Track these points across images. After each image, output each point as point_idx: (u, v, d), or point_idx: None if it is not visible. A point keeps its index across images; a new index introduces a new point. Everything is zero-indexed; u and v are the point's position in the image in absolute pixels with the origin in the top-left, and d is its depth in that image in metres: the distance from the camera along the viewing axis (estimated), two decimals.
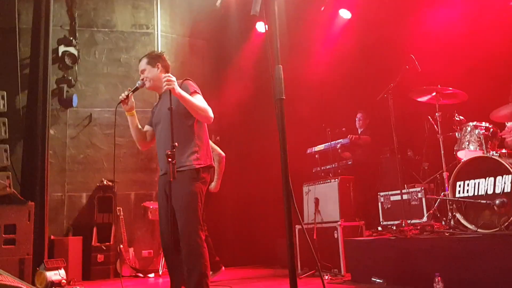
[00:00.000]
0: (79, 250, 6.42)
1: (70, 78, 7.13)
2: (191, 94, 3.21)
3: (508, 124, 4.56)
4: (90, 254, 6.40)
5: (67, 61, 7.08)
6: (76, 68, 7.23)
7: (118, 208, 6.46)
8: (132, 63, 7.43)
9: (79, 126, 7.16)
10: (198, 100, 3.21)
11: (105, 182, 6.87)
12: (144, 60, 3.44)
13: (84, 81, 7.29)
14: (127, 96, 3.30)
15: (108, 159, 7.14)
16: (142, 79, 3.38)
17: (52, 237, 6.37)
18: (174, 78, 3.15)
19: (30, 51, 6.19)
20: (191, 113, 3.19)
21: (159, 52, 3.59)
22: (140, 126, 3.45)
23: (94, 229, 6.62)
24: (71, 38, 7.18)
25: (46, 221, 5.69)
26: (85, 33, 7.38)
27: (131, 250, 6.48)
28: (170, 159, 3.05)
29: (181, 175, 3.12)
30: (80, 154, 7.11)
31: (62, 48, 7.08)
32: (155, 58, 3.45)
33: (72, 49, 7.12)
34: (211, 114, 3.22)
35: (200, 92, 3.30)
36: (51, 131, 6.71)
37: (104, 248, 6.44)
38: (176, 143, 3.11)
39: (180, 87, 3.18)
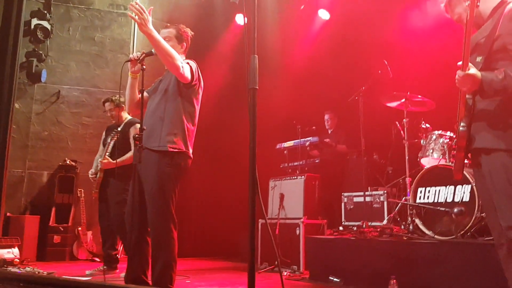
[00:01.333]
0: (35, 229, 6.26)
1: (40, 52, 6.89)
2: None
3: None
4: (46, 235, 6.24)
5: (39, 34, 6.84)
6: (48, 43, 7.00)
7: (79, 189, 6.32)
8: (106, 43, 7.27)
9: (46, 102, 6.96)
10: (170, 47, 3.05)
11: (68, 162, 6.71)
12: (171, 30, 3.29)
13: (55, 56, 7.08)
14: (139, 57, 3.18)
15: (73, 139, 6.98)
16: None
17: (8, 214, 6.18)
18: (148, 17, 2.91)
19: (0, 21, 5.97)
20: (158, 55, 3.04)
21: (188, 29, 3.38)
22: (137, 92, 3.29)
23: (53, 209, 6.46)
24: (45, 12, 6.94)
25: (3, 197, 5.49)
26: (60, 8, 7.16)
27: (89, 233, 6.36)
28: (137, 142, 3.02)
29: (153, 155, 3.07)
30: (45, 131, 6.91)
31: (35, 21, 6.83)
32: (183, 35, 3.30)
33: (45, 23, 6.88)
34: (179, 64, 3.03)
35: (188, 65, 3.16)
36: (16, 105, 6.50)
37: (62, 229, 6.30)
38: (145, 127, 3.09)
39: None
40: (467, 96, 2.32)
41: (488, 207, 2.39)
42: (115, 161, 4.68)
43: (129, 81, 3.31)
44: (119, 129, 4.88)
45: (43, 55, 6.91)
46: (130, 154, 4.71)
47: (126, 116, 5.02)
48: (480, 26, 2.44)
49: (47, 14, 6.94)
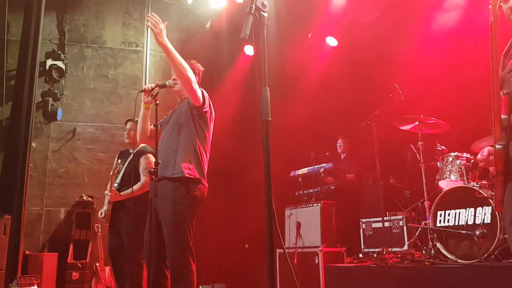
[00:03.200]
0: (54, 266, 6.26)
1: (56, 91, 7.08)
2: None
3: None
4: (65, 271, 6.22)
5: (54, 74, 7.04)
6: (63, 82, 7.19)
7: (96, 224, 6.33)
8: (119, 80, 7.43)
9: (62, 140, 7.08)
10: (183, 60, 3.13)
11: (84, 198, 6.76)
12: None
13: (70, 95, 7.24)
14: (153, 88, 3.25)
15: (89, 174, 7.05)
16: (174, 80, 3.31)
17: (27, 252, 6.21)
18: (164, 29, 3.05)
19: (17, 63, 6.15)
20: (172, 67, 3.13)
21: (198, 64, 3.47)
22: (148, 123, 3.38)
23: (71, 246, 6.47)
24: (60, 52, 7.16)
25: (21, 235, 5.57)
26: (74, 48, 7.38)
27: (107, 268, 6.33)
28: (153, 176, 3.05)
29: (169, 185, 3.08)
30: (61, 168, 7.00)
31: (49, 62, 7.05)
32: (194, 72, 3.31)
33: (60, 63, 7.10)
34: (192, 77, 3.09)
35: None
36: (33, 144, 6.62)
37: (80, 265, 6.28)
38: (160, 161, 3.12)
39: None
40: (502, 116, 2.21)
41: None
42: (124, 193, 4.59)
43: (141, 112, 3.38)
44: (129, 158, 4.80)
45: (58, 94, 7.09)
46: (138, 185, 4.63)
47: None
48: None
49: (61, 55, 7.16)
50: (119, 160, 4.76)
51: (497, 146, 2.21)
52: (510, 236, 2.28)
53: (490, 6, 2.18)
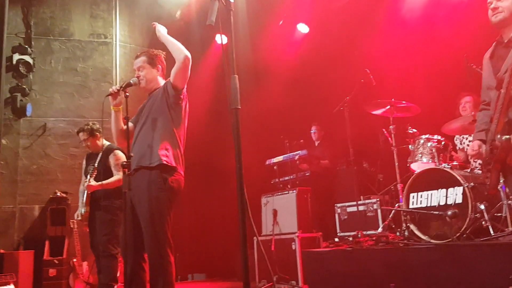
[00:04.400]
0: (30, 264, 6.16)
1: (24, 87, 6.89)
2: None
3: (466, 141, 4.77)
4: (41, 269, 6.14)
5: (22, 69, 6.85)
6: (31, 76, 7.01)
7: (72, 220, 6.25)
8: (89, 73, 7.29)
9: (32, 136, 6.93)
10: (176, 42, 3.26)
11: (58, 194, 6.65)
12: (143, 58, 3.36)
13: (39, 90, 7.07)
14: (118, 90, 3.20)
15: (62, 170, 6.93)
16: (138, 77, 3.30)
17: (1, 251, 6.09)
18: (162, 28, 3.37)
19: None
20: (170, 47, 3.24)
21: (158, 51, 3.47)
22: (122, 123, 3.31)
23: (47, 243, 6.37)
24: (26, 46, 6.97)
25: None
26: (41, 41, 7.19)
27: (84, 264, 6.26)
28: (125, 170, 3.01)
29: (145, 176, 3.07)
30: (33, 165, 6.86)
31: (16, 56, 6.85)
32: (155, 58, 3.37)
33: (27, 58, 6.90)
34: (187, 54, 3.17)
35: None
36: (3, 141, 6.47)
37: (57, 262, 6.20)
38: (132, 154, 3.08)
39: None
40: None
41: None
42: (100, 183, 4.63)
43: (112, 115, 3.33)
44: (98, 158, 4.82)
45: (26, 89, 6.91)
46: (114, 178, 4.67)
47: (103, 143, 4.94)
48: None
49: (28, 49, 6.96)
50: (92, 166, 4.74)
51: (505, 137, 2.38)
52: None
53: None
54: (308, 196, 5.43)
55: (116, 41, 7.51)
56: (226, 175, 5.59)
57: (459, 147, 4.95)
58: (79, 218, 4.75)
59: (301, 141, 6.00)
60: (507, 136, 2.39)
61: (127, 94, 3.18)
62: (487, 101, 2.81)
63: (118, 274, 4.85)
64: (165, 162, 3.08)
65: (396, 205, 4.70)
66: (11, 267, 5.87)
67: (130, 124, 3.30)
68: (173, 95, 3.20)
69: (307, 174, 5.93)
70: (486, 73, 2.75)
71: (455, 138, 4.98)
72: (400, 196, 4.59)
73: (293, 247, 5.04)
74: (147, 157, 3.11)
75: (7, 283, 5.06)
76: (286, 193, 5.46)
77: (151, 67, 3.35)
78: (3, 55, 6.00)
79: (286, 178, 5.98)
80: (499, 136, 2.42)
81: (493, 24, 2.69)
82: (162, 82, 3.40)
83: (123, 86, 3.20)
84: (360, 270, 4.08)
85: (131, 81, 3.25)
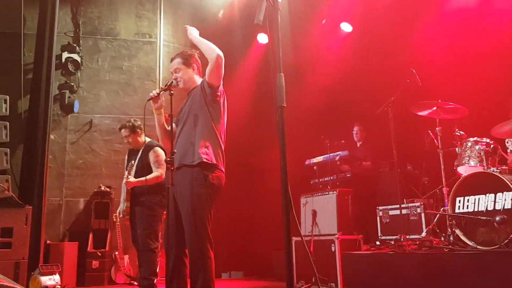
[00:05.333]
0: (74, 255, 6.38)
1: (72, 84, 7.17)
2: None
3: None
4: (85, 260, 6.36)
5: (70, 67, 7.11)
6: (79, 74, 7.27)
7: (114, 214, 6.42)
8: (133, 71, 7.48)
9: (79, 131, 7.18)
10: (208, 42, 3.32)
11: (102, 188, 6.85)
12: (178, 60, 3.40)
13: (86, 87, 7.32)
14: (158, 94, 3.28)
15: (107, 165, 7.15)
16: (176, 79, 3.34)
17: (48, 241, 6.33)
18: (194, 30, 3.42)
19: (34, 56, 6.22)
20: (202, 48, 3.30)
21: (192, 51, 3.52)
22: (166, 125, 3.40)
23: (90, 235, 6.59)
24: (75, 45, 7.23)
25: (43, 225, 5.67)
26: (88, 40, 7.44)
27: (126, 257, 6.43)
28: (169, 166, 3.06)
29: (188, 173, 3.11)
30: (79, 160, 7.11)
31: (65, 55, 7.12)
32: (189, 58, 3.42)
33: (75, 56, 7.16)
34: (219, 53, 3.21)
35: None
36: (52, 136, 6.71)
37: (99, 254, 6.40)
38: (175, 150, 3.14)
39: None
40: None
41: None
42: (139, 180, 4.72)
43: (155, 119, 3.39)
44: (138, 154, 4.93)
45: (74, 86, 7.18)
46: (153, 174, 4.75)
47: (143, 139, 5.06)
48: None
49: (77, 47, 7.22)
50: (132, 162, 4.85)
51: None
52: None
53: None
54: (348, 198, 5.35)
55: (160, 41, 7.67)
56: (266, 174, 5.61)
57: (510, 150, 4.75)
58: (120, 215, 4.87)
59: (342, 141, 5.92)
60: None
61: (172, 92, 3.24)
62: None
63: (157, 269, 4.96)
64: (205, 160, 3.11)
65: (441, 209, 4.56)
66: (56, 257, 6.10)
67: (174, 126, 3.38)
68: (210, 93, 3.24)
69: (348, 175, 5.86)
70: None
71: (506, 141, 4.78)
72: (446, 200, 4.45)
73: (333, 248, 4.98)
74: (189, 155, 3.15)
75: (53, 273, 5.24)
76: (326, 194, 5.40)
77: (187, 67, 3.38)
78: (53, 53, 6.25)
79: (326, 178, 5.93)
80: None
81: None
82: (199, 80, 3.43)
83: (163, 89, 3.29)
84: (402, 275, 3.99)
85: (171, 83, 3.30)
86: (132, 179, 4.71)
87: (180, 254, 3.15)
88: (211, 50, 3.22)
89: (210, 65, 3.23)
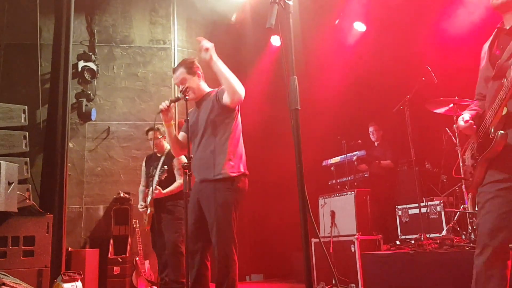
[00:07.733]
0: (95, 262, 6.46)
1: (89, 92, 7.26)
2: None
3: None
4: (106, 266, 6.42)
5: (87, 75, 7.22)
6: (95, 82, 7.36)
7: (134, 220, 6.49)
8: (149, 78, 7.56)
9: (97, 139, 7.27)
10: (230, 74, 3.09)
11: (121, 194, 6.92)
12: (182, 70, 3.32)
13: (103, 95, 7.41)
14: (168, 106, 3.24)
15: (125, 172, 7.22)
16: (183, 91, 3.24)
17: (69, 249, 6.42)
18: (211, 44, 3.09)
19: (50, 66, 6.32)
20: (223, 83, 3.10)
21: (191, 58, 3.45)
22: (177, 136, 3.42)
23: (111, 241, 6.65)
24: (91, 54, 7.34)
25: (64, 233, 5.74)
26: (104, 48, 7.54)
27: (147, 262, 6.49)
28: (186, 171, 3.08)
29: (212, 184, 3.12)
30: (98, 167, 7.20)
31: (81, 63, 7.23)
32: (192, 66, 3.33)
33: (91, 64, 7.27)
34: (241, 90, 3.08)
35: None
36: (70, 144, 6.82)
37: (120, 260, 6.46)
38: (192, 155, 3.15)
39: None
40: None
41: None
42: (167, 191, 4.83)
43: (166, 131, 3.38)
44: (160, 161, 4.99)
45: (91, 94, 7.27)
46: (176, 184, 4.84)
47: (167, 145, 5.12)
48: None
49: (92, 56, 7.32)
50: (155, 168, 4.93)
51: (500, 132, 2.16)
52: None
53: None
54: (367, 198, 5.32)
55: (174, 47, 7.72)
56: (285, 176, 5.59)
57: None
58: (142, 208, 4.97)
59: (359, 141, 5.89)
60: (502, 132, 2.14)
61: (187, 97, 3.25)
62: (483, 93, 2.55)
63: None
64: (232, 175, 3.11)
65: (462, 207, 4.51)
66: (78, 264, 6.17)
67: (183, 134, 3.41)
68: (227, 110, 3.21)
69: (365, 175, 5.82)
70: (484, 63, 2.50)
71: None
72: (465, 198, 4.40)
73: (352, 249, 4.96)
74: (210, 169, 3.13)
75: (75, 280, 5.28)
76: (344, 195, 5.37)
77: (192, 76, 3.33)
78: (69, 62, 6.34)
79: (344, 179, 5.90)
80: (493, 129, 2.18)
81: (494, 8, 2.47)
82: (204, 86, 3.40)
83: (173, 101, 3.26)
84: (423, 274, 3.95)
85: (179, 96, 3.25)
86: (161, 190, 4.82)
87: (203, 258, 3.17)
88: (233, 89, 3.06)
89: (228, 101, 3.13)
